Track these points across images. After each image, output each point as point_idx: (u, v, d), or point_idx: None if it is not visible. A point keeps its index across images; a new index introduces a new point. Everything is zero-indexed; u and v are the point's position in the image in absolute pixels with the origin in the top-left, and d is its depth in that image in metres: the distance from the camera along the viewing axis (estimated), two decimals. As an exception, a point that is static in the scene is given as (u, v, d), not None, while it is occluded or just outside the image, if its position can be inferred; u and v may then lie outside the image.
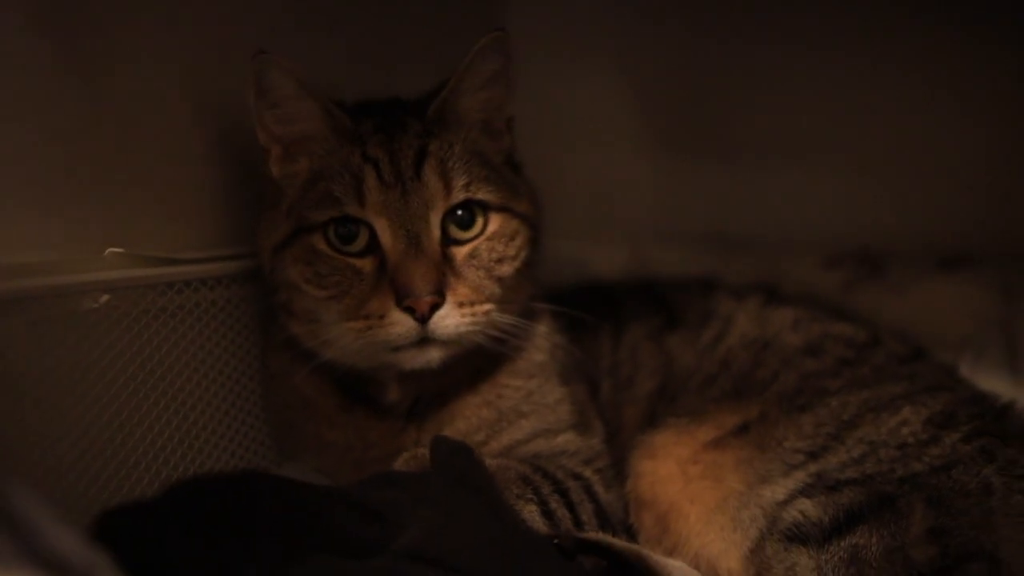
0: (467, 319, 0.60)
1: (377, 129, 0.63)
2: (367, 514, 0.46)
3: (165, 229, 0.62)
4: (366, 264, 0.61)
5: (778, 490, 0.58)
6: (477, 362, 0.65)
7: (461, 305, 0.60)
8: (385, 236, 0.60)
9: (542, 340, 0.68)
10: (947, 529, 0.55)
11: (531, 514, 0.56)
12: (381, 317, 0.59)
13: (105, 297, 0.55)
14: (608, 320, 0.74)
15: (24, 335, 0.50)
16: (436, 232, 0.61)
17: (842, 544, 0.55)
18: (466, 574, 0.42)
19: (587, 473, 0.62)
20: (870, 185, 0.96)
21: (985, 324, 0.85)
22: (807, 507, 0.57)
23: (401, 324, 0.58)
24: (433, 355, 0.60)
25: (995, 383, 0.82)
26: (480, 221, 0.63)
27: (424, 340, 0.59)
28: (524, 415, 0.65)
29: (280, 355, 0.66)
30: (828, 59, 0.95)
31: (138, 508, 0.41)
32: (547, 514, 0.57)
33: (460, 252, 0.62)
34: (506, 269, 0.63)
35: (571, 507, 0.59)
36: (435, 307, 0.59)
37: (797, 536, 0.56)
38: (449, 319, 0.59)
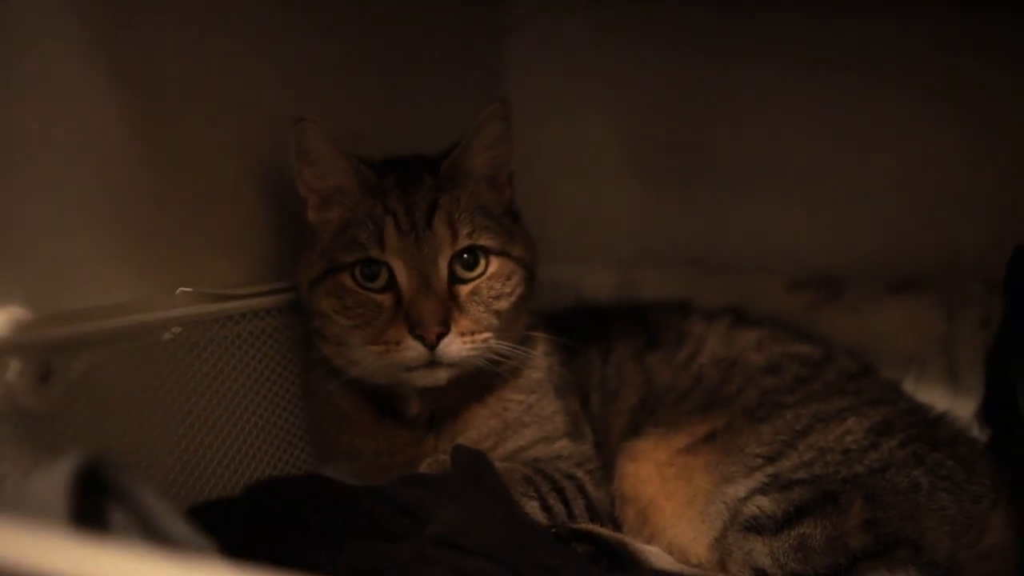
0: (468, 346, 0.70)
1: (397, 184, 0.74)
2: (400, 509, 0.57)
3: (222, 269, 0.72)
4: (385, 299, 0.71)
5: (739, 488, 0.68)
6: (484, 381, 0.75)
7: (463, 334, 0.70)
8: (401, 276, 0.71)
9: (540, 361, 0.79)
10: (879, 521, 0.65)
11: (533, 509, 0.67)
12: (397, 343, 0.69)
13: (177, 329, 0.65)
14: (599, 340, 0.85)
15: (116, 363, 0.60)
16: (444, 273, 0.72)
17: (792, 533, 0.65)
18: (483, 556, 0.53)
19: (579, 474, 0.73)
20: (830, 216, 1.06)
21: (929, 341, 0.95)
22: (763, 503, 0.67)
23: (413, 349, 0.69)
24: (440, 375, 0.71)
25: (936, 394, 0.92)
26: (482, 263, 0.73)
27: (432, 363, 0.70)
28: (526, 425, 0.76)
29: (318, 374, 0.76)
30: (792, 105, 1.04)
31: (223, 503, 0.51)
32: (546, 508, 0.68)
33: (464, 290, 0.72)
34: (503, 304, 0.73)
35: (566, 503, 0.70)
36: (441, 335, 0.69)
37: (754, 527, 0.66)
38: (453, 346, 0.70)
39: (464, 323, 0.71)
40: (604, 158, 1.13)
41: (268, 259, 0.77)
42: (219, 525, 0.48)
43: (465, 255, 0.73)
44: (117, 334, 0.60)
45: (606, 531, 0.67)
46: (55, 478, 0.41)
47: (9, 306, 0.54)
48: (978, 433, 0.85)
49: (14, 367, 0.52)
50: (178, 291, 0.67)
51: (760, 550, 0.65)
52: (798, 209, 1.06)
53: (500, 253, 0.74)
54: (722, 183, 1.09)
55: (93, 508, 0.43)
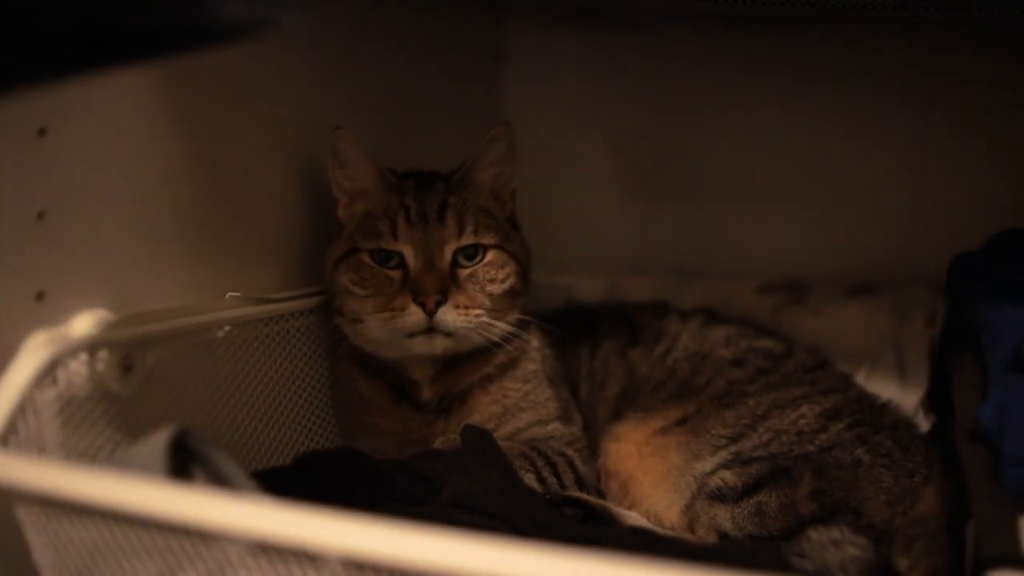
0: (462, 318, 0.82)
1: (414, 186, 0.86)
2: (419, 477, 0.68)
3: (263, 275, 0.84)
4: (395, 274, 0.83)
5: (706, 464, 0.79)
6: (487, 371, 0.87)
7: (458, 307, 0.82)
8: (410, 258, 0.83)
9: (535, 353, 0.90)
10: (825, 491, 0.76)
11: (530, 480, 0.78)
12: (402, 309, 0.81)
13: (228, 328, 0.76)
14: (587, 337, 0.96)
15: (180, 356, 0.71)
16: (447, 259, 0.83)
17: (750, 502, 0.76)
18: (489, 516, 0.64)
19: (569, 452, 0.85)
20: (797, 225, 1.15)
21: (881, 339, 1.06)
22: (727, 476, 0.78)
23: (415, 315, 0.81)
24: (437, 342, 0.83)
25: (886, 385, 1.03)
26: (481, 255, 0.85)
27: (431, 329, 0.81)
28: (523, 410, 0.87)
29: (343, 365, 0.88)
30: (763, 124, 1.15)
31: (277, 470, 0.63)
32: (540, 480, 0.79)
33: (463, 273, 0.84)
34: (495, 288, 0.85)
35: (557, 475, 0.81)
36: (439, 303, 0.81)
37: (718, 496, 0.77)
38: (449, 315, 0.81)
39: (460, 298, 0.82)
40: (593, 174, 1.24)
41: (301, 267, 0.89)
42: (275, 487, 0.58)
43: (467, 249, 0.85)
44: (180, 332, 0.71)
45: (592, 498, 0.78)
46: (156, 445, 0.52)
47: (98, 309, 0.65)
48: (923, 420, 0.97)
49: (103, 359, 0.63)
50: (228, 296, 0.78)
51: (723, 516, 0.76)
52: (768, 220, 1.17)
53: (497, 247, 0.86)
54: (699, 197, 1.20)
55: (181, 468, 0.54)
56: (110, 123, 0.63)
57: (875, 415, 0.87)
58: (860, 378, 1.00)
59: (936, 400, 0.98)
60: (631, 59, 1.21)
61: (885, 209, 1.14)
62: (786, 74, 1.15)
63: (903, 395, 1.01)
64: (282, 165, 0.87)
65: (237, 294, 0.79)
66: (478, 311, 0.83)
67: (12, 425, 0.53)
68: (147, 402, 0.66)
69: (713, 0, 0.99)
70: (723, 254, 1.18)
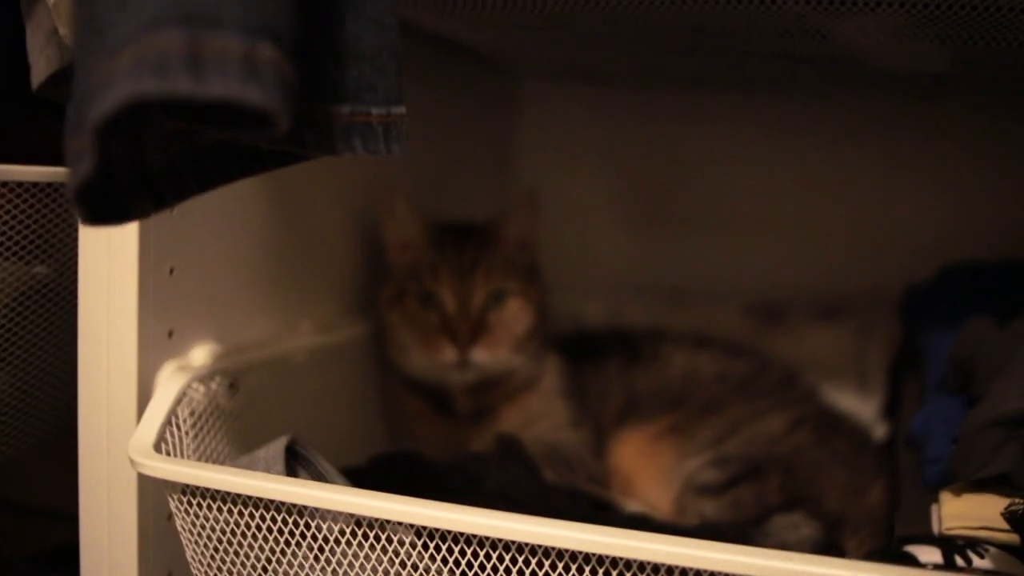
0: (488, 356, 1.02)
1: (451, 241, 1.04)
2: (463, 474, 0.86)
3: (329, 305, 1.02)
4: (434, 317, 1.02)
5: (694, 463, 0.97)
6: (511, 389, 1.05)
7: (486, 347, 1.02)
8: (447, 303, 1.01)
9: (552, 372, 1.09)
10: (790, 486, 0.94)
11: (549, 475, 0.96)
12: (438, 348, 1.00)
13: (303, 355, 0.94)
14: (595, 357, 1.14)
15: (271, 378, 0.89)
16: (478, 304, 1.01)
17: (729, 494, 0.94)
18: (519, 503, 0.81)
19: (581, 452, 1.03)
20: (778, 254, 1.31)
21: (845, 357, 1.23)
22: (710, 474, 0.96)
23: (449, 354, 1.00)
24: (469, 375, 1.03)
25: (849, 398, 1.20)
26: (506, 300, 1.03)
27: (463, 364, 1.01)
28: (542, 418, 1.05)
29: (392, 383, 1.07)
30: (748, 165, 1.32)
31: (355, 469, 0.80)
32: (558, 475, 0.97)
33: (490, 317, 1.03)
34: (519, 328, 1.04)
35: (571, 471, 0.99)
36: (470, 343, 1.00)
37: (703, 490, 0.95)
38: (478, 355, 1.01)
39: (487, 339, 1.02)
40: (597, 208, 1.41)
41: (356, 297, 1.07)
42: (357, 480, 0.76)
43: (495, 295, 1.03)
44: (270, 359, 0.89)
45: (599, 490, 0.97)
46: (276, 448, 0.70)
47: (210, 342, 0.83)
48: (881, 429, 1.14)
49: (217, 383, 0.81)
50: (302, 324, 0.96)
51: (707, 506, 0.94)
52: (752, 249, 1.34)
53: (520, 294, 1.04)
54: (691, 228, 1.37)
55: (290, 469, 0.71)
56: (221, 201, 0.79)
57: (836, 422, 1.05)
58: (827, 391, 1.18)
59: (890, 411, 1.15)
60: (632, 109, 1.38)
61: (853, 239, 1.31)
62: (768, 122, 1.33)
63: (863, 406, 1.18)
64: (344, 217, 1.05)
65: (309, 322, 0.96)
66: (502, 350, 1.03)
67: (162, 436, 0.71)
68: (248, 416, 0.83)
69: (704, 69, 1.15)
70: (711, 279, 1.35)
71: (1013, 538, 0.66)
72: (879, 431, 1.11)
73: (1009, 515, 0.65)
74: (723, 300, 1.32)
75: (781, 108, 1.30)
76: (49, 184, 0.84)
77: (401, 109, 0.57)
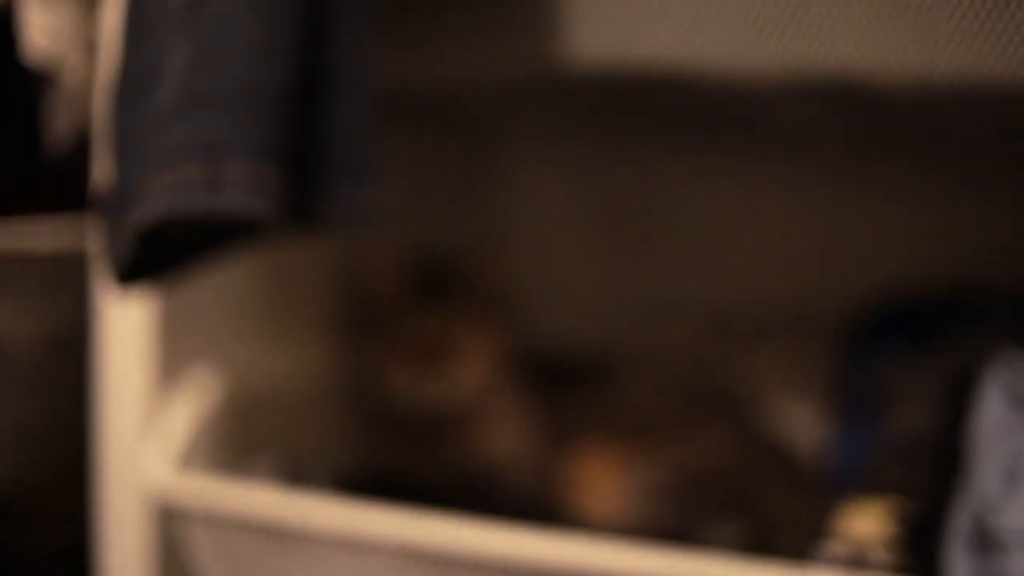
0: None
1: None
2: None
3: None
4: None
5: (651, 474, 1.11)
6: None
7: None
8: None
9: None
10: (729, 496, 1.07)
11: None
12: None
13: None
14: (555, 378, 1.27)
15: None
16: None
17: (674, 504, 1.07)
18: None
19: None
20: (739, 275, 1.41)
21: (796, 375, 1.36)
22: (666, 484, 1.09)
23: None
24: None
25: (799, 415, 1.32)
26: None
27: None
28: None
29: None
30: (713, 191, 1.42)
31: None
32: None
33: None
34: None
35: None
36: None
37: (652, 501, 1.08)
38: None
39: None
40: (572, 227, 1.53)
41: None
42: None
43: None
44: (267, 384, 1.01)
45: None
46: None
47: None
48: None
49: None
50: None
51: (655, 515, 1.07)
52: (716, 270, 1.44)
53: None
54: (659, 253, 1.48)
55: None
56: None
57: (778, 439, 1.18)
58: (782, 406, 1.30)
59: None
60: (604, 146, 1.48)
61: (808, 263, 1.43)
62: (733, 151, 1.43)
63: (814, 422, 1.31)
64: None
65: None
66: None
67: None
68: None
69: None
70: (677, 292, 1.45)
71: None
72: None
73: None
74: (688, 318, 1.42)
75: (745, 141, 1.39)
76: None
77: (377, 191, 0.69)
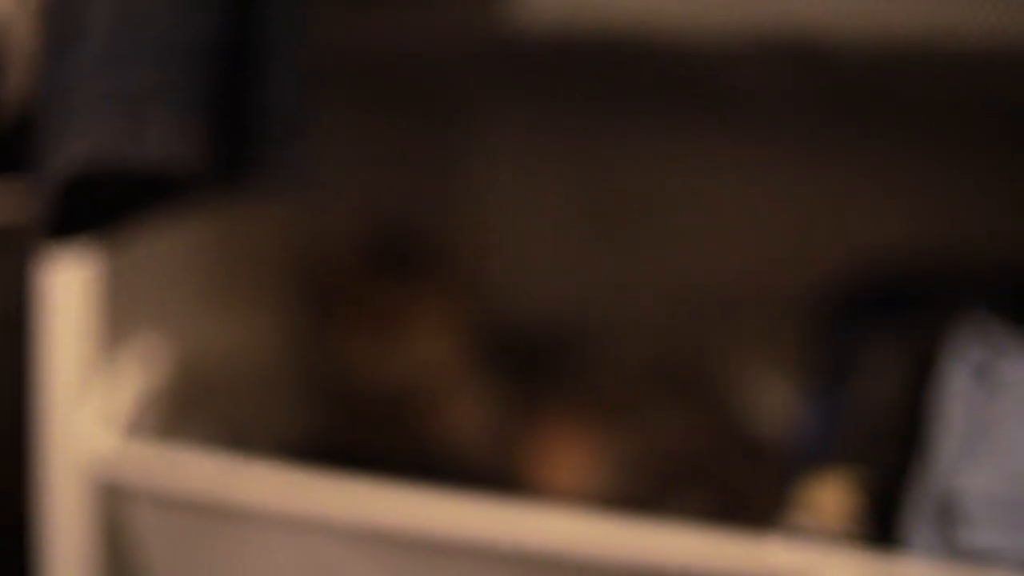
0: None
1: None
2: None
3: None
4: None
5: (612, 452, 1.10)
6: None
7: None
8: None
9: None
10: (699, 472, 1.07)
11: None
12: None
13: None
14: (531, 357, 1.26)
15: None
16: None
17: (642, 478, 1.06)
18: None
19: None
20: (712, 244, 1.40)
21: (780, 349, 1.35)
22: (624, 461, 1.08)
23: None
24: None
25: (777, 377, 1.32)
26: None
27: None
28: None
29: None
30: (684, 157, 1.40)
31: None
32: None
33: None
34: None
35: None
36: None
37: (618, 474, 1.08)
38: None
39: None
40: (543, 208, 1.49)
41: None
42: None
43: None
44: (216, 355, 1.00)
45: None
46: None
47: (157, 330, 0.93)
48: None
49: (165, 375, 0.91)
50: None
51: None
52: (688, 246, 1.42)
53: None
54: (630, 227, 1.44)
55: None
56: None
57: (748, 414, 1.17)
58: (749, 382, 1.29)
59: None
60: (581, 130, 1.46)
61: (781, 239, 1.41)
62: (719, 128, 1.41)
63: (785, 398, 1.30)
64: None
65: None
66: None
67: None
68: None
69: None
70: (648, 275, 1.45)
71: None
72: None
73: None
74: (656, 293, 1.41)
75: (724, 128, 1.37)
76: None
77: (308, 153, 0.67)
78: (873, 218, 1.34)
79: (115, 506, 0.79)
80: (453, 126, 1.47)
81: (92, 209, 0.64)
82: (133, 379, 0.82)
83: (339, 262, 1.16)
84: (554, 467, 1.11)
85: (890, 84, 1.03)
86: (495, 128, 1.47)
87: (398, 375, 1.14)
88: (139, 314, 0.86)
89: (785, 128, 1.35)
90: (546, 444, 1.13)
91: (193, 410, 0.88)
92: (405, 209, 1.29)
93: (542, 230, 1.46)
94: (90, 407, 0.79)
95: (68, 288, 0.79)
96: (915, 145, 1.33)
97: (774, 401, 1.23)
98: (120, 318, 0.83)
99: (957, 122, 1.26)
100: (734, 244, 1.40)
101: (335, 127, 1.07)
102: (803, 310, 1.23)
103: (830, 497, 0.80)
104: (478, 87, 1.46)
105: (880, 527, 0.76)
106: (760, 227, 1.39)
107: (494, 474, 1.07)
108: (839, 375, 0.98)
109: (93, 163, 0.54)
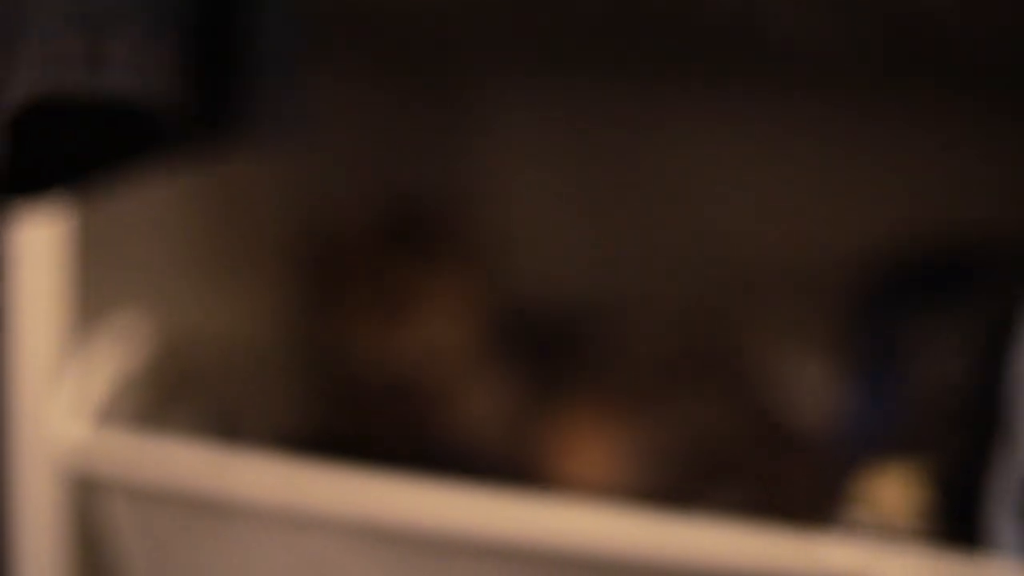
0: None
1: None
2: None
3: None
4: None
5: (640, 441, 1.02)
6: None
7: None
8: None
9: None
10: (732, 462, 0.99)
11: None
12: None
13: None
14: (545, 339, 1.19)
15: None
16: None
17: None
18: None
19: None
20: (738, 217, 1.32)
21: (811, 329, 1.28)
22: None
23: None
24: None
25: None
26: None
27: None
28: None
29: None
30: (707, 123, 1.31)
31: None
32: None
33: None
34: None
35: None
36: None
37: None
38: None
39: None
40: (561, 179, 1.42)
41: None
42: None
43: None
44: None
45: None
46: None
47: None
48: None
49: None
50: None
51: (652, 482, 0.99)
52: (712, 219, 1.33)
53: None
54: (652, 200, 1.38)
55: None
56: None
57: (782, 399, 1.10)
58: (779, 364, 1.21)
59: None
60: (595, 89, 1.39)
61: (811, 210, 1.33)
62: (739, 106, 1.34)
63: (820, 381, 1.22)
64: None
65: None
66: None
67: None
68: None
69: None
70: (672, 250, 1.37)
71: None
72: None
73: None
74: (680, 270, 1.34)
75: (737, 81, 1.31)
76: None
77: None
78: (913, 189, 1.26)
79: (89, 499, 0.72)
80: (469, 92, 1.38)
81: (57, 159, 0.57)
82: (110, 361, 0.75)
83: (344, 234, 1.07)
84: (576, 460, 1.04)
85: (943, 35, 0.95)
86: (514, 96, 1.40)
87: (407, 360, 1.06)
88: (118, 289, 0.78)
89: (817, 92, 1.28)
90: (567, 435, 1.06)
91: (178, 396, 0.81)
92: (417, 178, 1.21)
93: (562, 204, 1.39)
94: (62, 392, 0.72)
95: (37, 259, 0.72)
96: (954, 112, 1.27)
97: (811, 385, 1.16)
98: (96, 293, 0.75)
99: (1004, 84, 1.20)
100: (763, 217, 1.31)
101: (345, 89, 1.02)
102: (839, 287, 1.19)
103: (891, 490, 0.73)
104: (494, 53, 1.39)
105: (951, 523, 0.70)
106: (791, 199, 1.31)
107: (511, 467, 1.00)
108: (886, 357, 0.92)
109: (42, 93, 0.46)
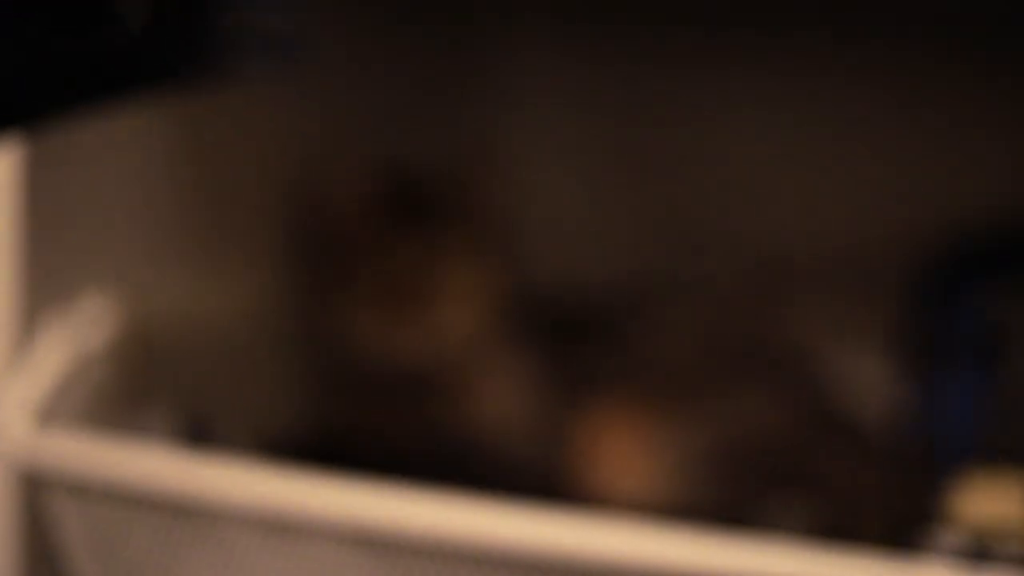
0: None
1: None
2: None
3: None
4: None
5: (679, 443, 0.93)
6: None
7: None
8: None
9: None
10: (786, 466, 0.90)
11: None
12: None
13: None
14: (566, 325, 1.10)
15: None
16: None
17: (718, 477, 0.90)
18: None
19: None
20: (785, 195, 1.24)
21: (858, 321, 1.20)
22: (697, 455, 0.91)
23: None
24: None
25: (866, 364, 1.15)
26: None
27: None
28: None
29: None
30: (753, 91, 1.24)
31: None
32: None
33: None
34: None
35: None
36: None
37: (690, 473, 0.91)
38: None
39: None
40: (587, 151, 1.33)
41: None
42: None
43: None
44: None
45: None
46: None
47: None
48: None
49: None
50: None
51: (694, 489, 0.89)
52: (757, 197, 1.25)
53: None
54: (689, 174, 1.29)
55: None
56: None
57: (840, 398, 1.01)
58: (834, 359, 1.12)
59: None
60: (625, 56, 1.31)
61: (868, 189, 1.25)
62: (768, 61, 1.26)
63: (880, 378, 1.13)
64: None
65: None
66: None
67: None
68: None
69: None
70: (711, 230, 1.29)
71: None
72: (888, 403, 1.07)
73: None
74: (721, 253, 1.26)
75: (783, 43, 1.23)
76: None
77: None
78: (982, 165, 1.18)
79: (36, 500, 0.66)
80: (485, 62, 1.32)
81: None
82: (67, 350, 0.68)
83: (342, 209, 0.98)
84: (605, 464, 0.95)
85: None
86: (533, 67, 1.33)
87: (415, 350, 0.97)
88: (78, 267, 0.71)
89: (876, 53, 1.20)
90: (596, 435, 0.97)
91: (146, 392, 0.73)
92: (427, 147, 1.13)
93: (588, 178, 1.31)
94: (11, 383, 0.65)
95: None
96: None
97: (872, 383, 1.08)
98: (52, 272, 0.68)
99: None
100: (814, 192, 1.23)
101: (348, 48, 0.99)
102: (902, 272, 1.11)
103: (991, 507, 0.65)
104: (515, 21, 1.31)
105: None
106: (845, 172, 1.22)
107: (532, 472, 0.94)
108: (972, 349, 0.83)
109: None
